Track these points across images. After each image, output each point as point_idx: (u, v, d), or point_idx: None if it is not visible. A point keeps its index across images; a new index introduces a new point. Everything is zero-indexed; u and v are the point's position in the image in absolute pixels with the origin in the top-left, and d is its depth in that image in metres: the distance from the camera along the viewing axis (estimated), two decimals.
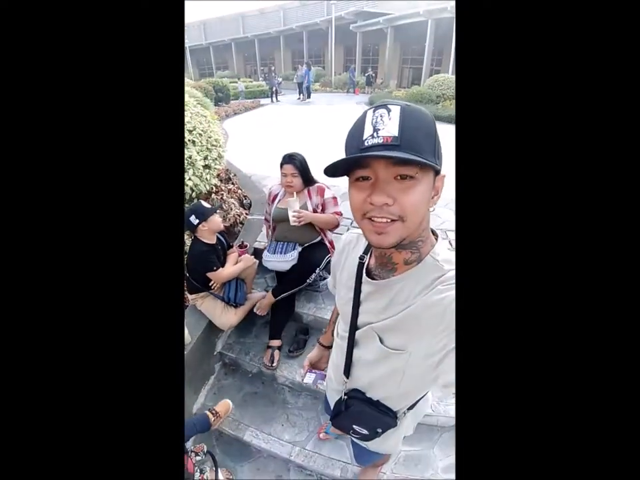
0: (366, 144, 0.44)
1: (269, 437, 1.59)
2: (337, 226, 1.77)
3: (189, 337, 1.60)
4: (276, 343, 1.75)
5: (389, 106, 0.44)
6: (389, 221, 0.46)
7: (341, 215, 1.75)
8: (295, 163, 1.64)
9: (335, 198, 1.77)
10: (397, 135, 0.43)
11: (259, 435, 1.59)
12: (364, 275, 0.61)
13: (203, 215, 1.53)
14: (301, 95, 11.21)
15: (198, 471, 1.17)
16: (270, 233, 1.92)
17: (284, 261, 1.72)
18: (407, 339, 0.56)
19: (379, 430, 0.70)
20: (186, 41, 20.49)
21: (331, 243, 1.88)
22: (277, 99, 11.27)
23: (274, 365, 1.69)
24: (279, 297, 1.75)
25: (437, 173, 0.47)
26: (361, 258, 0.62)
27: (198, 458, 1.19)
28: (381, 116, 0.44)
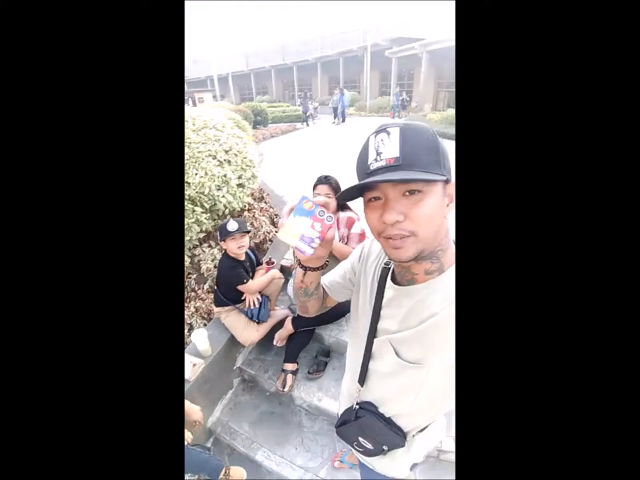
0: (371, 167, 0.47)
1: (282, 459, 1.55)
2: None
3: (210, 349, 1.63)
4: (290, 366, 1.71)
5: (388, 129, 0.47)
6: (403, 236, 0.47)
7: None
8: (331, 184, 1.62)
9: (362, 234, 1.69)
10: (397, 155, 0.45)
11: (271, 457, 1.56)
12: (388, 279, 0.61)
13: (221, 235, 1.59)
14: (336, 118, 11.53)
15: None
16: (293, 257, 1.92)
17: None
18: (426, 352, 0.55)
19: (385, 447, 0.68)
20: (229, 67, 22.11)
21: None
22: (311, 122, 11.67)
23: (285, 389, 1.65)
24: (298, 330, 1.73)
25: (447, 181, 0.49)
26: (386, 264, 0.62)
27: None
28: (382, 140, 0.47)
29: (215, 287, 1.71)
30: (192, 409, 1.20)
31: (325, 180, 1.64)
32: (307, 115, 11.48)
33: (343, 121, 11.45)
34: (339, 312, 1.72)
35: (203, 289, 1.99)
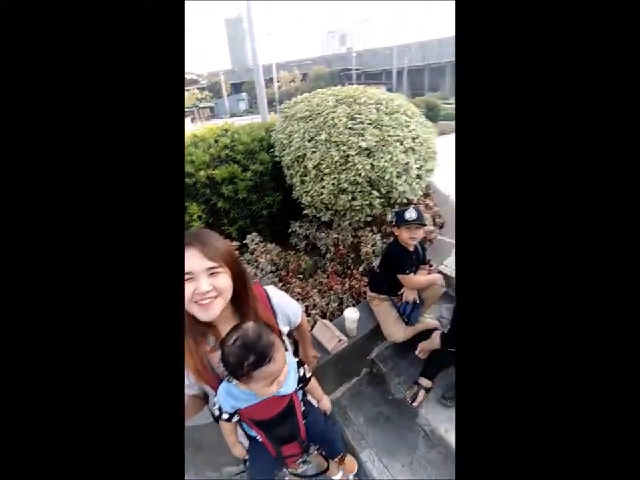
0: None
1: (385, 469, 1.46)
2: None
3: (356, 331, 1.63)
4: (426, 382, 1.55)
5: None
6: None
7: None
8: None
9: None
10: None
11: (375, 462, 1.49)
12: None
13: (397, 221, 1.53)
14: None
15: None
16: None
17: None
18: None
19: None
20: (405, 61, 21.82)
21: None
22: None
23: (415, 404, 1.51)
24: (447, 348, 1.52)
25: None
26: None
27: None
28: None
29: (377, 270, 1.69)
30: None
31: None
32: None
33: None
34: None
35: (358, 269, 2.01)
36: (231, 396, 0.76)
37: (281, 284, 1.79)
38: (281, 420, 0.81)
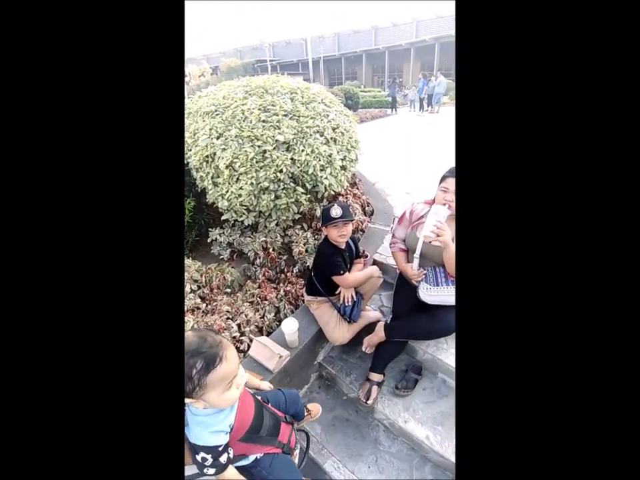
0: None
1: (352, 475, 1.40)
2: None
3: (297, 341, 1.51)
4: (376, 377, 1.51)
5: None
6: None
7: None
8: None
9: None
10: None
11: (341, 469, 1.42)
12: None
13: (324, 220, 1.44)
14: (424, 106, 10.67)
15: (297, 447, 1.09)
16: (407, 260, 1.56)
17: (449, 294, 1.38)
18: None
19: None
20: (320, 50, 22.26)
21: None
22: (395, 110, 11.10)
23: (370, 402, 1.46)
24: (392, 339, 1.50)
25: None
26: None
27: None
28: None
29: (311, 274, 1.58)
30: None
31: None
32: (394, 100, 10.96)
33: (422, 108, 10.52)
34: (445, 328, 1.44)
35: (293, 272, 1.88)
36: (204, 427, 0.69)
37: (204, 304, 1.57)
38: (259, 415, 0.86)
